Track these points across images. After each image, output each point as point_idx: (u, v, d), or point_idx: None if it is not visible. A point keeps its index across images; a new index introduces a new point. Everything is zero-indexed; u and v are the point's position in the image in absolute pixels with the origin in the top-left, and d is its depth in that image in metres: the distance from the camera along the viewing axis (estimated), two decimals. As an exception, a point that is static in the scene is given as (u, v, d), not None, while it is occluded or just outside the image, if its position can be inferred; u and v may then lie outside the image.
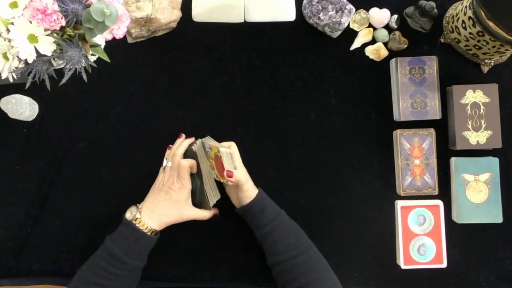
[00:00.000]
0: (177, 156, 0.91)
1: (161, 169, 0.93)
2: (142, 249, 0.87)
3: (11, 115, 0.97)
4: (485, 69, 1.00)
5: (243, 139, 1.00)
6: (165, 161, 0.93)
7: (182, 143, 0.94)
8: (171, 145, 0.96)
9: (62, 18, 0.71)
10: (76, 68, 0.76)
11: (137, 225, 0.86)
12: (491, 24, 0.84)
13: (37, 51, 0.72)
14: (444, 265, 0.95)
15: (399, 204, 0.97)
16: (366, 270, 0.98)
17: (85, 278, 0.85)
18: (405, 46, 1.01)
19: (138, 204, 0.89)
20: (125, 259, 0.84)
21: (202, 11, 0.99)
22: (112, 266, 0.84)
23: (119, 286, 0.86)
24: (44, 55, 0.72)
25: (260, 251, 0.99)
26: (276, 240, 0.87)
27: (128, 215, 0.88)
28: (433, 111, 0.97)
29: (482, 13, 0.84)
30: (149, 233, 0.86)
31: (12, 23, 0.70)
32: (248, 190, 0.89)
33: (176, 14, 0.99)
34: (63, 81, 0.76)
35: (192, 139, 0.96)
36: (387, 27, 1.02)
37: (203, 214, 0.92)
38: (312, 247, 0.89)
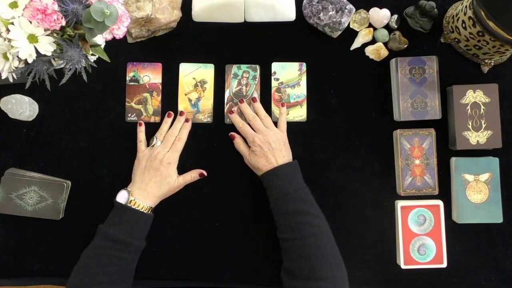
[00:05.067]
0: (182, 140, 0.97)
1: (143, 146, 0.96)
2: (144, 229, 0.90)
3: (11, 115, 0.97)
4: (485, 69, 1.00)
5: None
6: (154, 140, 0.96)
7: (185, 127, 0.98)
8: (141, 122, 0.98)
9: (62, 18, 0.71)
10: (76, 68, 0.76)
11: (133, 206, 0.89)
12: (491, 24, 0.84)
13: (37, 51, 0.72)
14: (444, 265, 0.95)
15: (399, 204, 0.97)
16: (366, 270, 0.98)
17: (89, 271, 0.85)
18: (405, 46, 1.01)
19: (128, 187, 0.93)
20: (130, 241, 0.86)
21: (202, 11, 0.99)
22: (119, 251, 0.86)
23: (127, 271, 0.88)
24: (44, 55, 0.72)
25: (262, 251, 0.99)
26: (278, 217, 0.90)
27: (120, 199, 0.90)
28: (433, 111, 0.97)
29: (482, 13, 0.84)
30: (146, 212, 0.90)
31: (12, 23, 0.70)
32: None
33: (176, 14, 0.99)
34: (63, 81, 0.76)
35: (189, 124, 0.99)
36: (387, 27, 1.02)
37: (190, 177, 0.97)
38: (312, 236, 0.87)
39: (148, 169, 0.93)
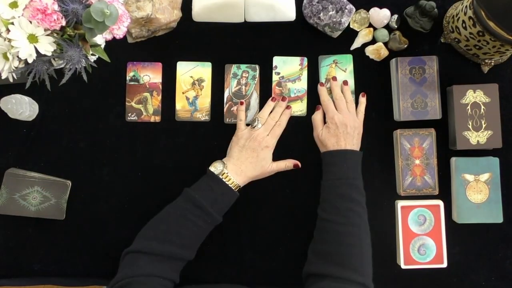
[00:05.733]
0: (281, 126, 0.97)
1: (242, 126, 0.97)
2: (226, 205, 0.91)
3: (11, 115, 0.97)
4: (486, 69, 1.00)
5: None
6: (256, 121, 0.96)
7: (285, 113, 0.98)
8: (243, 101, 0.99)
9: (62, 18, 0.71)
10: (76, 68, 0.76)
11: (224, 180, 0.89)
12: (491, 24, 0.84)
13: (37, 51, 0.72)
14: (444, 265, 0.95)
15: (399, 204, 0.97)
16: (366, 270, 0.98)
17: (165, 227, 0.86)
18: (405, 46, 1.01)
19: (223, 160, 0.93)
20: (211, 210, 0.87)
21: (202, 11, 0.99)
22: (198, 217, 0.86)
23: (197, 239, 0.88)
24: (44, 55, 0.72)
25: (262, 251, 0.99)
26: (330, 196, 0.90)
27: (214, 169, 0.91)
28: (433, 111, 0.97)
29: (483, 13, 0.84)
30: (234, 188, 0.90)
31: (12, 23, 0.70)
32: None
33: (176, 14, 0.99)
34: (63, 81, 0.76)
35: (289, 111, 0.99)
36: (387, 27, 1.02)
37: (284, 165, 0.97)
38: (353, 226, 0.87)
39: (246, 149, 0.93)
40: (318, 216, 0.90)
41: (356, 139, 0.95)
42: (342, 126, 0.93)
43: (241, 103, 0.99)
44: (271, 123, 0.96)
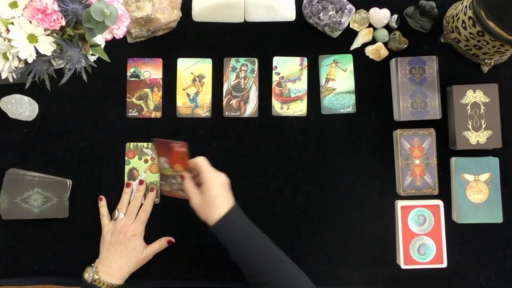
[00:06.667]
0: (146, 211, 0.95)
1: (106, 221, 0.94)
2: None
3: (11, 115, 0.97)
4: (485, 69, 1.00)
5: (244, 138, 1.00)
6: (116, 213, 0.95)
7: (149, 197, 0.96)
8: (102, 197, 0.97)
9: (62, 18, 0.71)
10: (76, 68, 0.76)
11: (98, 285, 0.87)
12: (491, 24, 0.84)
13: (37, 51, 0.72)
14: (444, 265, 0.95)
15: (399, 204, 0.97)
16: (366, 270, 0.98)
17: None
18: (405, 46, 1.01)
19: (92, 264, 0.91)
20: None
21: (202, 11, 0.99)
22: None
23: None
24: (44, 55, 0.72)
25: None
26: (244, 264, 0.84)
27: (87, 276, 0.89)
28: (433, 111, 0.97)
29: (482, 13, 0.84)
30: None
31: (12, 23, 0.70)
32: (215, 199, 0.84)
33: (176, 14, 0.99)
34: (63, 81, 0.76)
35: (153, 193, 0.97)
36: (387, 27, 1.02)
37: (158, 246, 0.95)
38: (284, 273, 0.82)
39: (113, 244, 0.91)
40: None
41: (229, 194, 0.87)
42: (222, 182, 0.86)
43: (100, 199, 0.97)
44: (133, 210, 0.94)
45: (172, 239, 0.96)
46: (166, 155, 0.94)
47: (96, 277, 0.88)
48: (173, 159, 0.93)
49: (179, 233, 0.98)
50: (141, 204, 0.97)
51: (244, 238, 0.83)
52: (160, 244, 0.96)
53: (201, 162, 0.88)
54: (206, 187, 0.84)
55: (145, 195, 0.98)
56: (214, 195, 0.84)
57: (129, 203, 0.96)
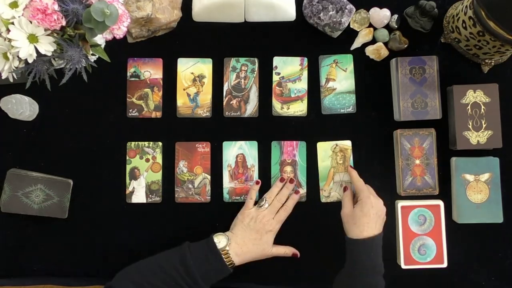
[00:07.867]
0: (287, 211, 0.95)
1: (250, 204, 0.95)
2: (216, 279, 0.88)
3: (11, 115, 0.97)
4: (486, 69, 1.00)
5: (244, 138, 1.00)
6: (264, 200, 0.95)
7: (292, 198, 0.97)
8: (259, 181, 0.98)
9: (62, 18, 0.71)
10: (76, 68, 0.76)
11: (223, 256, 0.88)
12: (491, 24, 0.84)
13: (37, 51, 0.72)
14: (444, 265, 0.95)
15: (400, 204, 0.97)
16: (366, 270, 0.98)
17: (153, 279, 0.84)
18: (406, 46, 1.01)
19: (227, 234, 0.91)
20: (200, 283, 0.85)
21: (202, 11, 0.99)
22: (185, 283, 0.84)
23: None
24: (44, 55, 0.72)
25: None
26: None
27: (217, 241, 0.89)
28: (434, 111, 0.97)
29: (483, 13, 0.84)
30: (229, 266, 0.88)
31: (12, 23, 0.70)
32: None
33: (176, 14, 0.99)
34: (63, 81, 0.76)
35: (297, 196, 0.97)
36: (387, 27, 1.02)
37: (283, 251, 0.95)
38: None
39: (250, 229, 0.92)
40: None
41: (380, 224, 0.91)
42: (376, 208, 0.90)
43: (257, 182, 0.98)
44: (276, 205, 0.95)
45: (298, 253, 0.96)
46: (186, 158, 0.95)
47: (227, 248, 0.89)
48: (194, 161, 0.94)
49: (179, 233, 0.98)
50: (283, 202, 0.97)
51: (373, 266, 0.87)
52: (286, 251, 0.96)
53: (362, 186, 0.93)
54: (363, 206, 0.90)
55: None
56: (366, 215, 0.89)
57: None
